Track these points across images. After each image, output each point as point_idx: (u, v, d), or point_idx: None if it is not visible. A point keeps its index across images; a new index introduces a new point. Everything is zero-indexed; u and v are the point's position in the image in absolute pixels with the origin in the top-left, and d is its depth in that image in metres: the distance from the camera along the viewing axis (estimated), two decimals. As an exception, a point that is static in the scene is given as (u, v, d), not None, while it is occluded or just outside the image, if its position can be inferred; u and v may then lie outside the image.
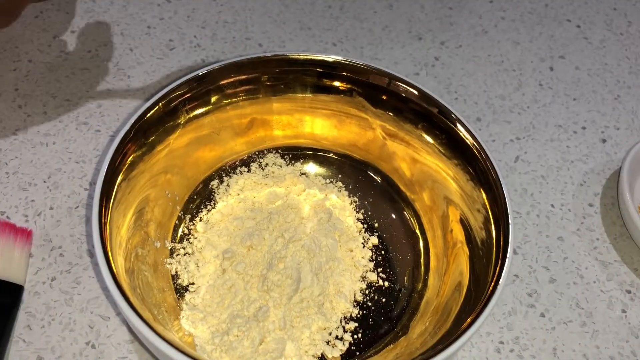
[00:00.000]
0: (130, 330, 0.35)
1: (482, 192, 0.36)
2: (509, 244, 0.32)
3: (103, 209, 0.31)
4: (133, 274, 0.32)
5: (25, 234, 0.37)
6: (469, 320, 0.30)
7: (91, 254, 0.38)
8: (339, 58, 0.40)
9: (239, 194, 0.41)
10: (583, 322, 0.38)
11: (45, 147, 0.43)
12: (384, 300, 0.37)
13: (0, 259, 0.35)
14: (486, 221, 0.35)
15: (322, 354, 0.34)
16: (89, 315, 0.36)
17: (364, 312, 0.36)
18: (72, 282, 0.37)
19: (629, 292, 0.40)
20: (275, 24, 0.54)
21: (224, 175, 0.41)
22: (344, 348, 0.35)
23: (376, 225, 0.40)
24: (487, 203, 0.35)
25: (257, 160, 0.42)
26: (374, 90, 0.40)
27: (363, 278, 0.38)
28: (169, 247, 0.37)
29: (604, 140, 0.48)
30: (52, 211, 0.40)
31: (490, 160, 0.35)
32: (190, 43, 0.51)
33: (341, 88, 0.40)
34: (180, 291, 0.36)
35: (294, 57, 0.40)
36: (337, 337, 0.35)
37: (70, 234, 0.39)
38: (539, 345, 0.37)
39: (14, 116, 0.45)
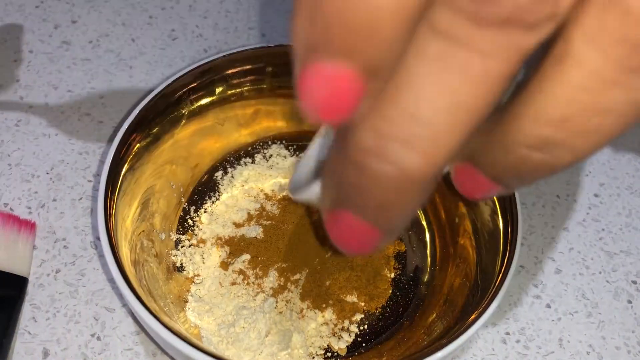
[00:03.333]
0: (136, 321, 0.35)
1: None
2: (517, 236, 0.32)
3: (109, 200, 0.31)
4: (139, 265, 0.32)
5: (29, 226, 0.37)
6: (476, 313, 0.30)
7: (95, 245, 0.38)
8: None
9: (243, 185, 0.40)
10: (589, 313, 0.38)
11: (48, 139, 0.43)
12: (390, 291, 0.37)
13: (5, 251, 0.35)
14: (493, 213, 0.35)
15: (328, 346, 0.34)
16: (94, 307, 0.36)
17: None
18: (76, 274, 0.37)
19: (634, 282, 0.40)
20: (278, 13, 0.53)
21: (228, 166, 0.41)
22: (350, 339, 0.35)
23: (381, 216, 0.40)
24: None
25: (262, 151, 0.42)
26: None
27: (369, 269, 0.38)
28: (174, 239, 0.37)
29: (609, 131, 0.48)
30: (56, 203, 0.40)
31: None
32: (192, 33, 0.51)
33: None
34: (186, 283, 0.36)
35: None
36: (343, 329, 0.35)
37: (74, 226, 0.39)
38: (545, 336, 0.37)
39: (15, 107, 0.44)
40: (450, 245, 0.37)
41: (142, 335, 0.35)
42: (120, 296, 0.36)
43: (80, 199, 0.40)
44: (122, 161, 0.33)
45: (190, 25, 0.52)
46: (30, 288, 0.36)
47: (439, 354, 0.28)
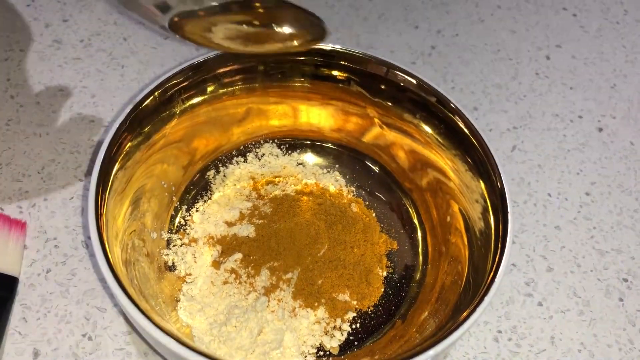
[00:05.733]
0: (128, 321, 0.35)
1: (481, 182, 0.35)
2: (508, 235, 0.32)
3: (99, 199, 0.31)
4: (130, 265, 0.32)
5: (19, 226, 0.37)
6: (467, 311, 0.30)
7: (87, 245, 0.38)
8: (337, 47, 0.39)
9: (235, 184, 0.40)
10: (580, 311, 0.38)
11: (39, 138, 0.43)
12: (382, 290, 0.37)
13: (-5, 251, 0.35)
14: (484, 211, 0.35)
15: (320, 344, 0.34)
16: (85, 307, 0.35)
17: (362, 302, 0.36)
18: (67, 274, 0.37)
19: (625, 280, 0.40)
20: (270, 12, 0.53)
21: (220, 165, 0.41)
22: (343, 338, 0.35)
23: (373, 215, 0.40)
24: (485, 193, 0.35)
25: (254, 150, 0.42)
26: (371, 79, 0.39)
27: (361, 268, 0.38)
28: (166, 238, 0.37)
29: (600, 129, 0.48)
30: (47, 202, 0.39)
31: (489, 151, 0.35)
32: (184, 32, 0.51)
33: (339, 77, 0.40)
34: (178, 282, 0.36)
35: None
36: (335, 327, 0.35)
37: (65, 225, 0.38)
38: (537, 334, 0.37)
39: (6, 106, 0.44)
40: (442, 244, 0.37)
41: (134, 335, 0.35)
42: (112, 296, 0.36)
43: (72, 198, 0.40)
44: (113, 160, 0.33)
45: (182, 24, 0.51)
46: (20, 288, 0.36)
47: (431, 352, 0.28)
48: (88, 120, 0.44)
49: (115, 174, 0.33)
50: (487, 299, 0.30)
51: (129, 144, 0.35)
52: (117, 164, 0.34)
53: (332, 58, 0.40)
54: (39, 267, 0.37)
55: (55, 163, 0.41)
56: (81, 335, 0.34)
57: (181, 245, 0.37)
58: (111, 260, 0.29)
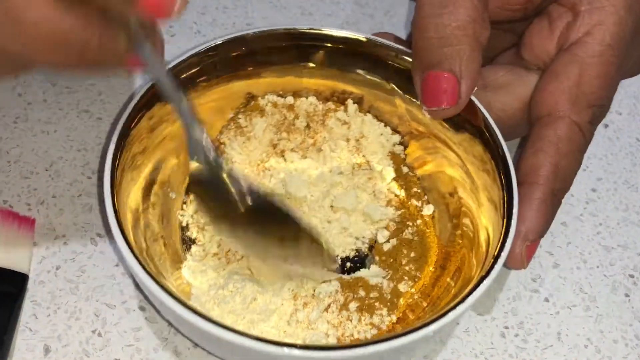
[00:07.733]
0: (137, 314, 0.35)
1: (488, 177, 0.35)
2: (511, 229, 0.32)
3: (113, 191, 0.32)
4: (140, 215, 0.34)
5: (28, 223, 0.37)
6: (462, 296, 0.30)
7: (95, 242, 0.38)
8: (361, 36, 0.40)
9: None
10: (587, 307, 0.38)
11: (47, 136, 0.43)
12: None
13: (5, 248, 0.35)
14: (491, 204, 0.35)
15: None
16: (94, 304, 0.36)
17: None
18: (77, 271, 0.37)
19: (632, 276, 0.40)
20: (275, 9, 0.53)
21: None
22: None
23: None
24: (493, 186, 0.35)
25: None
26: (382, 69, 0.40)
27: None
28: (181, 199, 0.38)
29: (606, 126, 0.48)
30: (55, 199, 0.40)
31: (502, 146, 0.35)
32: (190, 29, 0.51)
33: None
34: (188, 242, 0.37)
35: (303, 31, 0.40)
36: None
37: (73, 222, 0.39)
38: (544, 330, 0.37)
39: (13, 104, 0.44)
40: (451, 236, 0.37)
41: (143, 331, 0.35)
42: (121, 292, 0.36)
43: (80, 195, 0.40)
44: (128, 135, 0.34)
45: (188, 21, 0.51)
46: (30, 285, 0.36)
47: (432, 327, 0.28)
48: (95, 117, 0.44)
49: (124, 169, 0.34)
50: (483, 285, 0.30)
51: (138, 139, 0.35)
52: (127, 157, 0.34)
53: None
54: (48, 264, 0.37)
55: (63, 160, 0.42)
56: (91, 332, 0.35)
57: (196, 212, 0.38)
58: (122, 225, 0.31)
